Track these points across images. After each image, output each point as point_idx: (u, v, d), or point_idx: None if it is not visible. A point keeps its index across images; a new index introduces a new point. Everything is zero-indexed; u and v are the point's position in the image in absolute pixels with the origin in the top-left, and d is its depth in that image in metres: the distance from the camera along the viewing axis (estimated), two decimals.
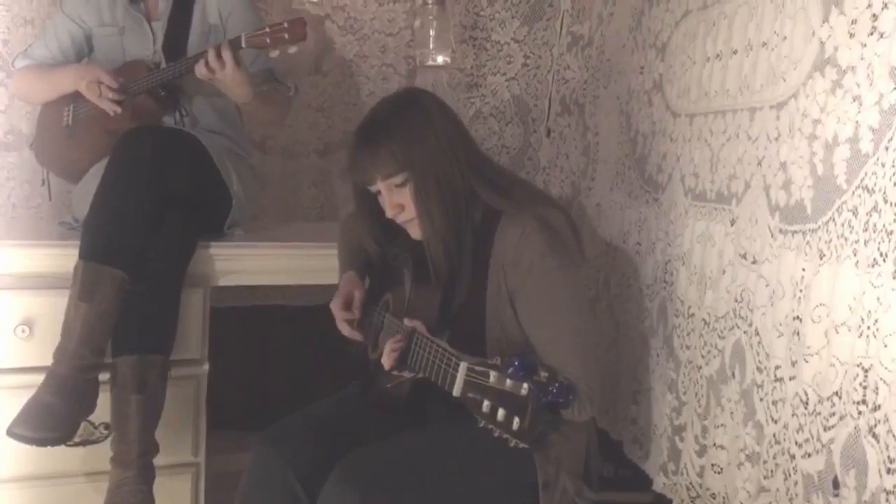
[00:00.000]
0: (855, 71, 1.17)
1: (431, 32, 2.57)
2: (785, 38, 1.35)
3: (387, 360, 1.42)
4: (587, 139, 2.33)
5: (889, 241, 1.08)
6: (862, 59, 1.15)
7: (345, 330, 1.61)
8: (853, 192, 1.16)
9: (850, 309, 1.15)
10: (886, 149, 1.10)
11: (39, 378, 1.68)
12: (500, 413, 1.11)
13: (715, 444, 1.51)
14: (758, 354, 1.39)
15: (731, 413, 1.46)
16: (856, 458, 1.12)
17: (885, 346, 1.07)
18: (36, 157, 2.19)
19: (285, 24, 1.90)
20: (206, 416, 1.92)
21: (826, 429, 1.19)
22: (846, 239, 1.16)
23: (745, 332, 1.44)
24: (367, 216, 1.60)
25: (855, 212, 1.15)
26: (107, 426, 1.74)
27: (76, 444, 1.78)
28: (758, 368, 1.39)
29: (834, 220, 1.20)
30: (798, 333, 1.27)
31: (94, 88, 1.97)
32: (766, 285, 1.37)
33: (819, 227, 1.23)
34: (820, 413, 1.20)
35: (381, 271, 1.70)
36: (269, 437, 1.58)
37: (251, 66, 2.03)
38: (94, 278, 1.69)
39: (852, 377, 1.13)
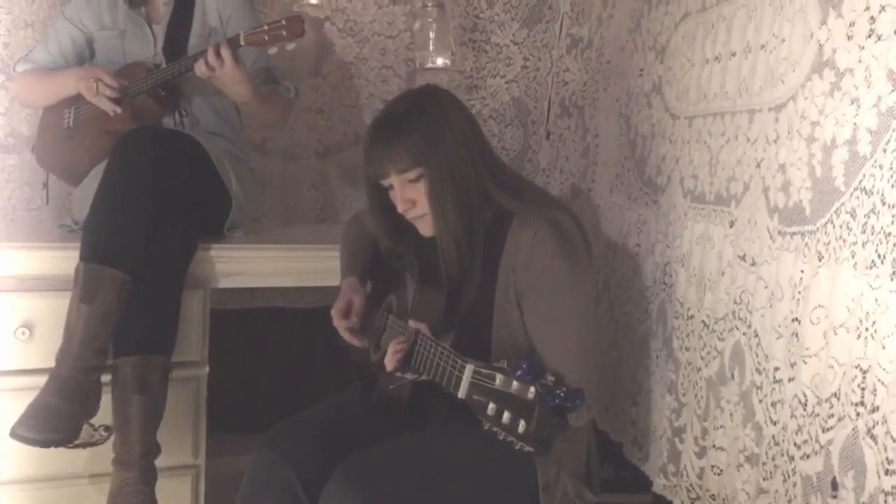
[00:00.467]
0: (853, 73, 1.17)
1: (431, 35, 2.57)
2: (783, 40, 1.36)
3: (390, 362, 1.42)
4: (587, 141, 2.33)
5: (887, 243, 1.08)
6: (860, 61, 1.16)
7: (345, 335, 1.61)
8: (851, 194, 1.16)
9: (849, 310, 1.15)
10: (884, 151, 1.10)
11: (40, 380, 1.68)
12: (506, 416, 1.11)
13: (714, 446, 1.52)
14: (757, 356, 1.39)
15: (731, 414, 1.47)
16: (854, 459, 1.12)
17: (884, 347, 1.07)
18: (37, 159, 2.19)
19: (283, 22, 1.91)
20: (206, 418, 1.92)
21: (825, 430, 1.19)
22: (844, 241, 1.17)
23: (744, 334, 1.44)
24: (378, 210, 1.59)
25: (853, 214, 1.15)
26: (107, 428, 1.74)
27: (77, 447, 1.78)
28: (757, 370, 1.39)
29: (832, 221, 1.20)
30: (797, 335, 1.27)
31: (92, 85, 1.97)
32: (765, 287, 1.37)
33: (818, 228, 1.23)
34: (819, 414, 1.21)
35: (385, 273, 1.71)
36: (270, 439, 1.58)
37: (251, 66, 2.03)
38: (95, 280, 1.70)
39: (851, 379, 1.13)
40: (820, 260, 1.22)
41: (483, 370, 1.19)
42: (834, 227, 1.19)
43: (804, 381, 1.24)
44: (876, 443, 1.08)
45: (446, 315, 1.51)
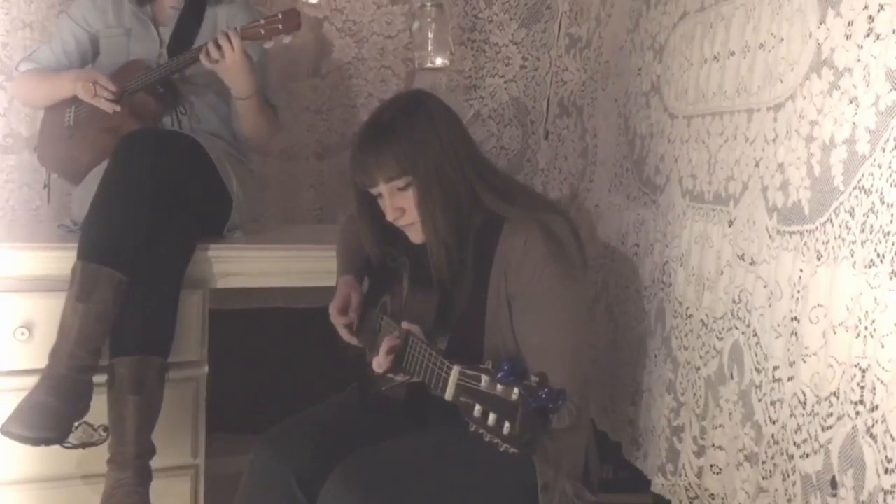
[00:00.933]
0: (852, 73, 1.17)
1: (430, 35, 2.57)
2: (782, 39, 1.36)
3: (381, 364, 1.42)
4: (585, 141, 2.33)
5: (886, 242, 1.08)
6: (859, 60, 1.16)
7: (343, 334, 1.61)
8: (850, 194, 1.16)
9: (848, 309, 1.15)
10: (883, 150, 1.10)
11: None
12: (492, 417, 1.11)
13: (713, 445, 1.52)
14: (756, 355, 1.39)
15: (730, 414, 1.47)
16: (853, 458, 1.12)
17: (883, 346, 1.07)
18: (38, 157, 2.20)
19: (279, 15, 1.91)
20: (206, 417, 1.92)
21: (824, 429, 1.19)
22: (843, 240, 1.17)
23: (743, 333, 1.44)
24: (367, 219, 1.59)
25: (852, 213, 1.15)
26: (106, 428, 1.74)
27: (75, 447, 1.78)
28: (756, 369, 1.39)
29: (831, 221, 1.20)
30: (796, 334, 1.27)
31: (89, 88, 1.98)
32: (764, 286, 1.37)
33: (816, 227, 1.23)
34: (818, 413, 1.21)
35: (381, 273, 1.71)
36: (269, 440, 1.58)
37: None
38: (92, 279, 1.69)
39: (850, 377, 1.13)
40: (819, 259, 1.22)
41: (468, 371, 1.19)
42: (833, 226, 1.20)
43: (803, 380, 1.24)
44: (875, 441, 1.08)
45: (439, 317, 1.51)
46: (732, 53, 1.52)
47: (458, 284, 1.51)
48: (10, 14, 2.34)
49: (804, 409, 1.24)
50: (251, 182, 2.18)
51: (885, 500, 1.05)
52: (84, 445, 1.78)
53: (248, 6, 2.23)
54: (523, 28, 2.76)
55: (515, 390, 1.10)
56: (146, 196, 1.76)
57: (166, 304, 1.78)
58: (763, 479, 1.35)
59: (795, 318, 1.27)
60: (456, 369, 1.21)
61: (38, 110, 2.21)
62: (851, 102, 1.17)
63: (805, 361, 1.24)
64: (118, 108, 2.00)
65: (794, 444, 1.26)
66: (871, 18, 1.14)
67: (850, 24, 1.18)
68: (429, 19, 2.57)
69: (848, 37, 1.18)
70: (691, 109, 1.68)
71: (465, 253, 1.50)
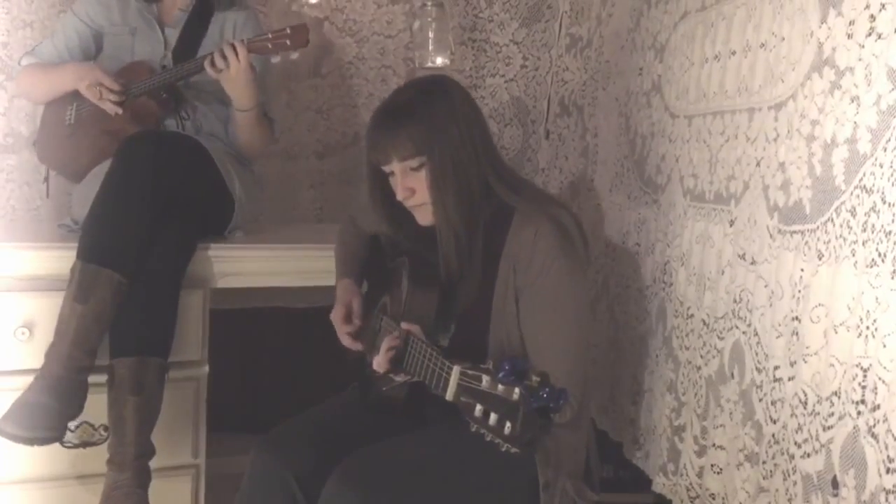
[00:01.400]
0: (853, 72, 1.17)
1: (430, 34, 2.57)
2: (783, 39, 1.36)
3: (381, 364, 1.42)
4: (586, 140, 2.33)
5: (887, 242, 1.08)
6: (860, 59, 1.16)
7: (346, 341, 1.61)
8: (851, 193, 1.16)
9: (849, 309, 1.15)
10: (884, 149, 1.10)
11: None
12: (493, 417, 1.11)
13: (714, 445, 1.51)
14: (757, 355, 1.39)
15: (731, 413, 1.47)
16: (855, 457, 1.12)
17: (884, 345, 1.07)
18: (38, 154, 2.20)
19: (287, 30, 1.89)
20: (206, 417, 1.92)
21: (825, 429, 1.19)
22: (845, 239, 1.17)
23: (744, 333, 1.44)
24: (379, 197, 1.58)
25: (853, 212, 1.15)
26: (106, 428, 1.74)
27: (76, 446, 1.78)
28: (757, 369, 1.39)
29: (832, 220, 1.20)
30: (797, 334, 1.27)
31: (95, 91, 1.97)
32: (765, 286, 1.37)
33: (818, 227, 1.23)
34: (819, 413, 1.20)
35: (380, 273, 1.70)
36: (269, 441, 1.58)
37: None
38: (91, 280, 1.69)
39: (851, 377, 1.13)
40: (820, 258, 1.22)
41: (469, 371, 1.18)
42: (834, 225, 1.19)
43: (804, 379, 1.24)
44: (877, 441, 1.08)
45: (440, 314, 1.50)
46: (733, 53, 1.52)
47: (465, 276, 1.51)
48: (11, 13, 2.33)
49: (805, 408, 1.24)
50: (252, 183, 2.17)
51: (886, 499, 1.05)
52: (84, 445, 1.78)
53: (256, 18, 2.22)
54: (524, 27, 2.76)
55: (516, 390, 1.09)
56: (148, 198, 1.76)
57: (166, 304, 1.78)
58: (764, 478, 1.35)
59: (796, 318, 1.27)
60: (456, 369, 1.21)
61: (38, 109, 2.20)
62: (853, 102, 1.16)
63: (806, 361, 1.24)
64: (119, 111, 1.99)
65: (795, 443, 1.26)
66: (872, 18, 1.14)
67: (852, 23, 1.18)
68: (429, 19, 2.57)
69: (849, 36, 1.18)
70: (692, 109, 1.68)
71: (473, 243, 1.50)
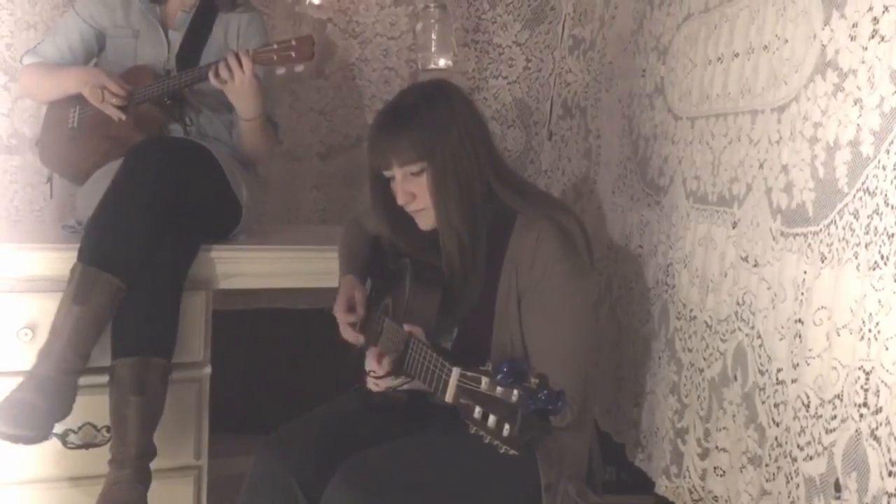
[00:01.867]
0: (856, 74, 1.17)
1: (433, 36, 2.57)
2: (786, 41, 1.36)
3: (382, 367, 1.42)
4: (589, 142, 2.33)
5: (890, 244, 1.08)
6: (863, 62, 1.15)
7: (348, 334, 1.61)
8: (854, 195, 1.16)
9: (852, 312, 1.15)
10: (887, 152, 1.10)
11: None
12: (492, 419, 1.11)
13: (717, 447, 1.51)
14: (759, 357, 1.39)
15: (733, 416, 1.46)
16: (857, 460, 1.12)
17: (887, 348, 1.07)
18: (40, 157, 2.19)
19: (293, 42, 1.88)
20: (209, 419, 1.92)
21: (828, 431, 1.19)
22: (847, 242, 1.17)
23: (746, 335, 1.44)
24: (380, 201, 1.58)
25: (856, 215, 1.15)
26: (109, 430, 1.74)
27: (78, 448, 1.78)
28: (759, 371, 1.39)
29: (835, 222, 1.20)
30: (799, 336, 1.27)
31: (98, 94, 1.97)
32: (768, 288, 1.37)
33: (820, 229, 1.23)
34: (821, 416, 1.20)
35: (382, 275, 1.70)
36: (270, 443, 1.58)
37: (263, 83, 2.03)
38: (90, 283, 1.69)
39: (854, 380, 1.13)
40: (823, 261, 1.22)
41: (468, 373, 1.18)
42: (837, 228, 1.19)
43: (807, 382, 1.24)
44: (879, 444, 1.08)
45: (443, 315, 1.50)
46: (736, 55, 1.52)
47: (468, 279, 1.51)
48: (15, 15, 2.34)
49: (808, 411, 1.24)
50: (257, 186, 2.17)
51: (888, 502, 1.05)
52: (87, 446, 1.78)
53: (261, 19, 2.21)
54: (527, 29, 2.76)
55: (515, 392, 1.09)
56: (154, 207, 1.75)
57: (168, 306, 1.78)
58: (766, 481, 1.35)
59: (799, 321, 1.27)
60: (456, 371, 1.21)
61: (42, 110, 2.20)
62: (856, 104, 1.16)
63: (809, 364, 1.24)
64: (123, 117, 1.99)
65: (798, 446, 1.26)
66: (875, 20, 1.13)
67: (855, 25, 1.17)
68: (432, 20, 2.57)
69: (852, 38, 1.18)
70: (695, 111, 1.68)
71: (476, 246, 1.50)
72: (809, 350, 1.24)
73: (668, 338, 1.73)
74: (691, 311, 1.64)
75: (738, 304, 1.47)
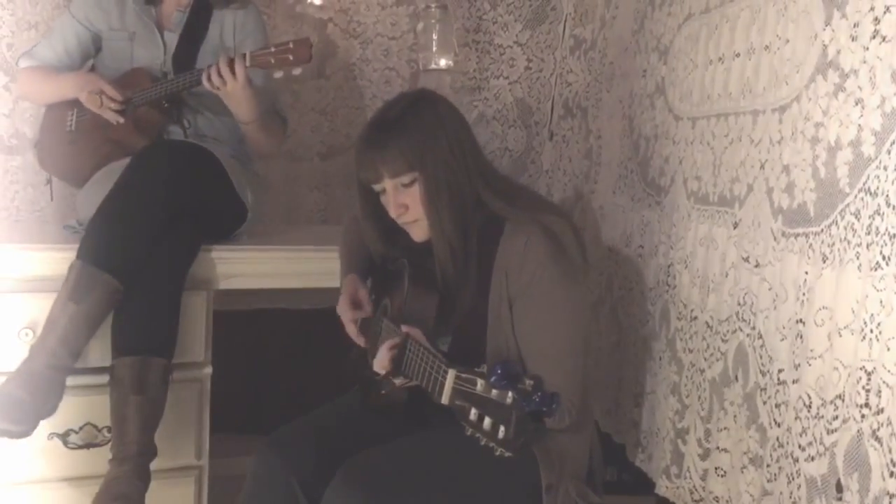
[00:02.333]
0: (857, 74, 1.17)
1: (434, 36, 2.57)
2: (787, 41, 1.35)
3: (380, 367, 1.42)
4: (590, 142, 2.33)
5: (892, 245, 1.08)
6: (864, 62, 1.15)
7: (352, 333, 1.61)
8: (856, 196, 1.16)
9: (853, 312, 1.14)
10: (889, 152, 1.10)
11: None
12: (487, 421, 1.11)
13: (718, 448, 1.51)
14: (760, 357, 1.39)
15: (734, 416, 1.46)
16: (859, 461, 1.12)
17: (888, 349, 1.07)
18: (38, 160, 2.19)
19: (290, 45, 1.88)
20: (209, 419, 1.92)
21: (829, 432, 1.19)
22: (849, 242, 1.16)
23: (747, 336, 1.44)
24: (371, 216, 1.59)
25: (857, 215, 1.15)
26: (110, 430, 1.74)
27: (79, 448, 1.78)
28: (761, 371, 1.39)
29: (837, 223, 1.20)
30: (801, 336, 1.27)
31: (96, 99, 1.96)
32: (769, 288, 1.37)
33: (822, 230, 1.23)
34: (823, 416, 1.20)
35: (381, 276, 1.70)
36: (271, 443, 1.58)
37: (257, 86, 2.02)
38: (88, 281, 1.69)
39: (855, 380, 1.13)
40: (824, 261, 1.22)
41: (464, 375, 1.18)
42: (838, 228, 1.19)
43: (808, 382, 1.24)
44: (881, 444, 1.08)
45: (440, 318, 1.50)
46: (737, 55, 1.52)
47: (460, 285, 1.51)
48: (16, 15, 2.34)
49: (809, 411, 1.24)
50: (257, 185, 2.17)
51: (890, 503, 1.05)
52: (88, 446, 1.78)
53: (257, 15, 2.20)
54: (528, 29, 2.76)
55: (510, 394, 1.10)
56: (156, 213, 1.75)
57: (168, 306, 1.78)
58: (768, 482, 1.35)
59: (800, 321, 1.27)
60: (452, 373, 1.21)
61: (42, 111, 2.20)
62: (857, 104, 1.16)
63: (810, 364, 1.24)
64: (121, 120, 1.99)
65: (799, 446, 1.26)
66: (876, 20, 1.13)
67: (856, 25, 1.17)
68: (433, 20, 2.57)
69: (853, 38, 1.18)
70: (696, 111, 1.68)
71: (468, 252, 1.50)
72: (811, 350, 1.23)
73: (668, 338, 1.73)
74: (692, 311, 1.64)
75: (739, 304, 1.47)
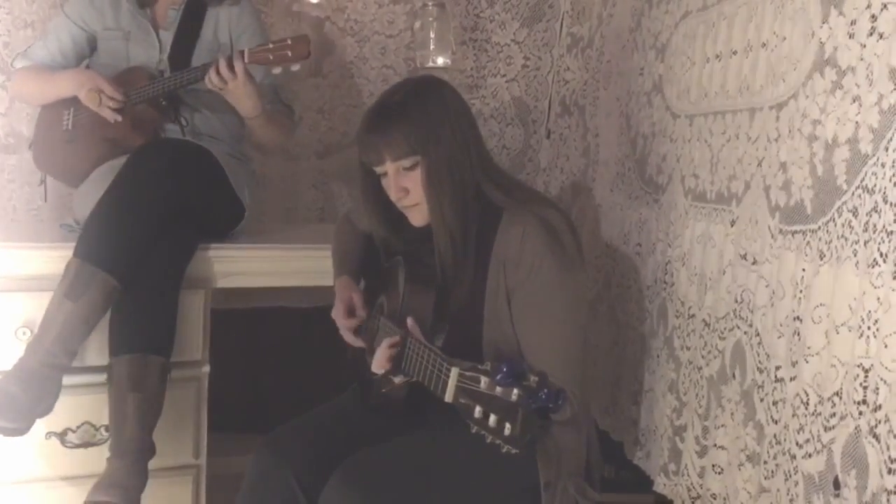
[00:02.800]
0: (854, 71, 1.17)
1: (431, 34, 2.57)
2: (784, 38, 1.35)
3: (381, 365, 1.42)
4: (587, 140, 2.33)
5: (889, 242, 1.08)
6: (861, 59, 1.15)
7: (349, 338, 1.61)
8: (853, 193, 1.16)
9: (851, 309, 1.15)
10: (886, 149, 1.10)
11: None
12: (492, 419, 1.11)
13: (716, 445, 1.51)
14: (758, 355, 1.39)
15: (732, 414, 1.46)
16: (856, 458, 1.12)
17: (886, 346, 1.07)
18: (34, 160, 2.18)
19: (288, 41, 1.88)
20: (207, 417, 1.92)
21: (827, 429, 1.19)
22: (846, 239, 1.17)
23: (745, 333, 1.44)
24: (371, 199, 1.58)
25: (855, 212, 1.15)
26: (108, 429, 1.74)
27: (77, 447, 1.78)
28: (758, 369, 1.39)
29: (834, 220, 1.20)
30: (798, 334, 1.27)
31: (95, 97, 1.96)
32: (767, 286, 1.37)
33: (819, 227, 1.23)
34: (820, 413, 1.20)
35: (376, 274, 1.70)
36: (270, 441, 1.58)
37: (260, 82, 2.02)
38: (85, 279, 1.68)
39: (853, 377, 1.13)
40: (821, 258, 1.22)
41: (468, 373, 1.18)
42: (836, 225, 1.19)
43: (806, 379, 1.24)
44: (878, 441, 1.08)
45: (436, 315, 1.50)
46: (735, 52, 1.52)
47: (458, 276, 1.51)
48: (12, 14, 2.33)
49: (806, 408, 1.24)
50: (253, 183, 2.17)
51: (888, 500, 1.05)
52: (86, 445, 1.78)
53: (252, 9, 2.19)
54: (525, 27, 2.76)
55: (515, 391, 1.09)
56: (154, 209, 1.75)
57: (165, 304, 1.78)
58: (765, 479, 1.35)
59: (798, 318, 1.27)
60: (455, 371, 1.21)
61: (38, 110, 2.19)
62: (854, 101, 1.16)
63: (807, 361, 1.24)
64: (119, 118, 1.98)
65: (797, 444, 1.26)
66: (873, 17, 1.13)
67: (853, 22, 1.17)
68: (430, 18, 2.56)
69: (851, 35, 1.18)
70: (693, 108, 1.68)
71: (467, 243, 1.50)
72: (808, 348, 1.24)
73: (666, 336, 1.73)
74: (690, 309, 1.64)
75: (736, 301, 1.47)
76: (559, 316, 1.44)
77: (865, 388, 1.11)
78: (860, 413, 1.12)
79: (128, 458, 1.68)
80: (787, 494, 1.28)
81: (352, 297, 1.62)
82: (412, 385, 1.42)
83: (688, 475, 1.60)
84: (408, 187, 1.48)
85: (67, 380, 1.72)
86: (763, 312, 1.38)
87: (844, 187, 1.18)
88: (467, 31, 2.73)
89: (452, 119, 1.47)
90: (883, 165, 1.10)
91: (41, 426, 1.72)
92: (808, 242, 1.26)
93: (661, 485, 1.72)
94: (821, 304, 1.21)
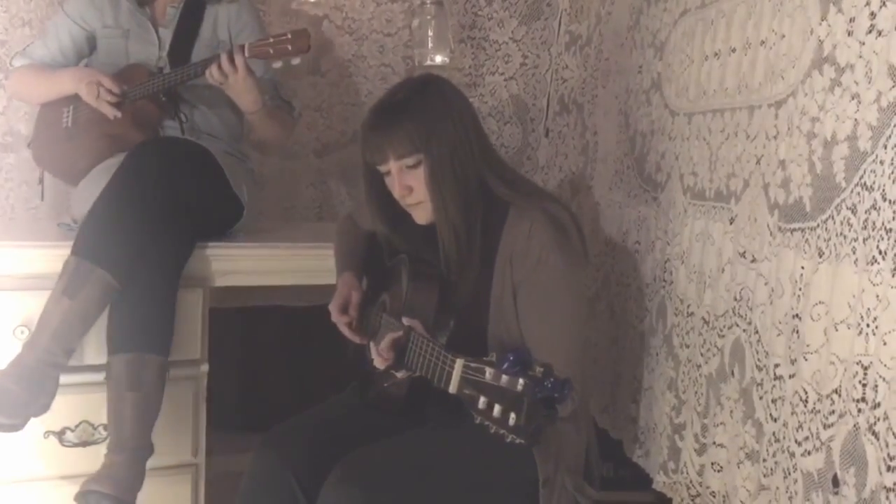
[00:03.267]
0: (853, 69, 1.17)
1: (430, 32, 2.57)
2: (783, 36, 1.35)
3: (383, 360, 1.42)
4: (586, 138, 2.33)
5: (888, 239, 1.08)
6: (860, 56, 1.15)
7: (346, 332, 1.61)
8: (852, 190, 1.16)
9: (850, 307, 1.15)
10: (885, 147, 1.10)
11: None
12: (497, 409, 1.11)
13: (715, 443, 1.51)
14: (757, 353, 1.39)
15: (731, 411, 1.46)
16: (855, 455, 1.12)
17: (885, 343, 1.07)
18: (34, 157, 2.18)
19: (288, 35, 1.88)
20: (206, 416, 1.92)
21: (826, 427, 1.19)
22: (845, 237, 1.16)
23: (744, 331, 1.44)
24: (375, 198, 1.59)
25: (854, 210, 1.15)
26: (106, 428, 1.73)
27: (75, 446, 1.78)
28: (757, 367, 1.39)
29: (833, 218, 1.20)
30: (797, 331, 1.27)
31: (94, 89, 1.96)
32: (766, 283, 1.37)
33: (818, 225, 1.23)
34: (819, 411, 1.20)
35: (379, 272, 1.70)
36: (269, 440, 1.58)
37: (260, 77, 2.02)
38: (83, 276, 1.68)
39: (852, 375, 1.13)
40: (820, 256, 1.22)
41: (472, 364, 1.18)
42: (834, 223, 1.19)
43: (805, 377, 1.24)
44: (877, 439, 1.08)
45: (440, 310, 1.50)
46: (733, 50, 1.52)
47: (463, 272, 1.51)
48: (10, 12, 2.33)
49: (806, 406, 1.24)
50: (251, 181, 2.17)
51: (887, 497, 1.05)
52: (84, 444, 1.78)
53: (250, 6, 2.20)
54: (523, 25, 2.76)
55: (520, 381, 1.09)
56: (152, 207, 1.75)
57: (163, 303, 1.77)
58: (764, 476, 1.35)
59: (797, 316, 1.27)
60: (460, 362, 1.21)
61: (37, 108, 2.19)
62: (853, 99, 1.16)
63: (807, 359, 1.24)
64: (118, 114, 1.98)
65: (796, 441, 1.26)
66: (872, 15, 1.13)
67: (852, 20, 1.17)
68: (428, 17, 2.56)
69: (850, 33, 1.18)
70: (692, 106, 1.68)
71: (472, 239, 1.50)
72: (807, 345, 1.24)
73: (665, 334, 1.73)
74: (689, 306, 1.64)
75: (735, 299, 1.47)
76: (564, 311, 1.45)
77: (864, 385, 1.11)
78: (859, 410, 1.12)
79: (126, 456, 1.68)
80: (787, 492, 1.28)
81: (350, 295, 1.62)
82: (413, 381, 1.43)
83: (687, 473, 1.60)
84: (411, 185, 1.48)
85: (65, 378, 1.72)
86: (762, 310, 1.38)
87: (843, 185, 1.18)
88: (465, 29, 2.73)
89: (455, 116, 1.47)
90: (882, 163, 1.10)
91: (40, 425, 1.72)
92: (807, 240, 1.26)
93: (661, 483, 1.72)
94: (820, 302, 1.21)
